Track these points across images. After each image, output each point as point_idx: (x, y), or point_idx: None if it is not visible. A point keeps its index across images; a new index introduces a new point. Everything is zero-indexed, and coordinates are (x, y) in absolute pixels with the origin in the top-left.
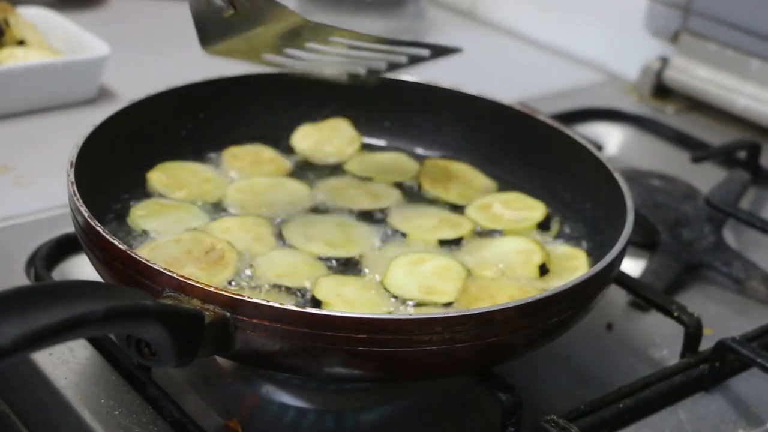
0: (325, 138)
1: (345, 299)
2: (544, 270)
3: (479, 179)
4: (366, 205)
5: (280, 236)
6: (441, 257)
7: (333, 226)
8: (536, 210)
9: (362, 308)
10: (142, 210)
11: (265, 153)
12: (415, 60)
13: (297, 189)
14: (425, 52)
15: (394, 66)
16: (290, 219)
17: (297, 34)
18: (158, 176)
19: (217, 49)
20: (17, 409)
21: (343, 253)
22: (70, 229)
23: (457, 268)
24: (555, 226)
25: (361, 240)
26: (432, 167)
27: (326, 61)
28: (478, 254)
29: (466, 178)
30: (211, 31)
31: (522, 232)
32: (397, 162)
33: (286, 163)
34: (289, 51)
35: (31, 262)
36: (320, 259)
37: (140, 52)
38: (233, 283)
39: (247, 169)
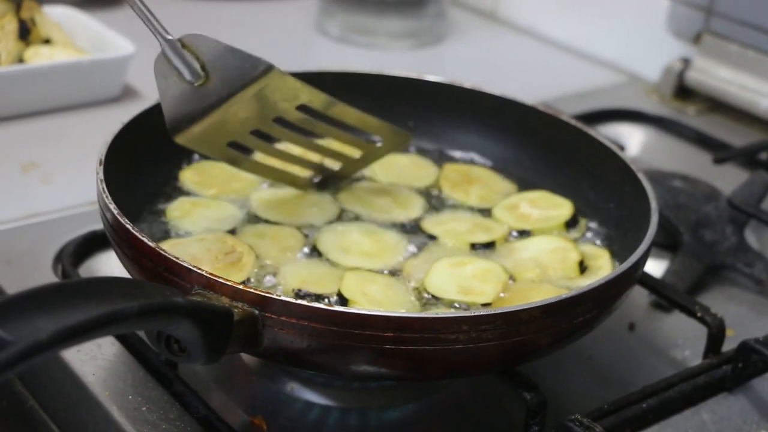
0: None
1: (371, 299)
2: (583, 268)
3: (498, 182)
4: (397, 215)
5: (313, 249)
6: (483, 260)
7: (364, 235)
8: (563, 208)
9: (388, 307)
10: (177, 210)
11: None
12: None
13: (322, 199)
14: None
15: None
16: (321, 229)
17: (268, 103)
18: (190, 175)
19: (188, 137)
20: (45, 405)
21: (381, 264)
22: (96, 226)
23: (498, 271)
24: (582, 223)
25: (396, 248)
26: (452, 171)
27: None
28: (513, 257)
29: (486, 182)
30: (182, 116)
31: (551, 231)
32: (417, 165)
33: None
34: (255, 141)
35: (59, 258)
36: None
37: None
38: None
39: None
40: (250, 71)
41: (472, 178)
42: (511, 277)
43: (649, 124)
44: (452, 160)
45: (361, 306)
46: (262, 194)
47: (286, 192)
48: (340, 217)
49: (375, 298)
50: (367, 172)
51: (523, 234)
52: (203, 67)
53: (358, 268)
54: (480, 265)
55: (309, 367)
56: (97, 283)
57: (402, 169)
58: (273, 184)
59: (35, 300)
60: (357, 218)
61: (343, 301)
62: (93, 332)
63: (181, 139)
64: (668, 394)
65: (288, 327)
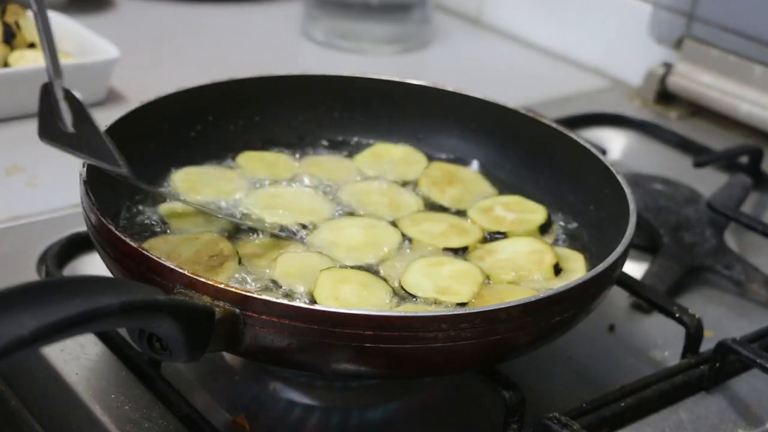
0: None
1: (343, 302)
2: (557, 270)
3: (480, 185)
4: (388, 214)
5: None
6: (460, 261)
7: (360, 228)
8: (537, 213)
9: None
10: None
11: (279, 156)
12: None
13: (316, 198)
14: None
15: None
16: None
17: None
18: (179, 177)
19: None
20: (29, 404)
21: (370, 256)
22: (80, 228)
23: (475, 272)
24: (555, 230)
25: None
26: (437, 169)
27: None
28: (490, 258)
29: (467, 184)
30: (54, 132)
31: (525, 235)
32: (408, 160)
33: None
34: None
35: (43, 260)
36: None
37: (149, 55)
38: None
39: (264, 172)
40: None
41: (455, 179)
42: (488, 278)
43: (631, 128)
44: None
45: None
46: (256, 195)
47: (281, 190)
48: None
49: (348, 301)
50: (355, 163)
51: (498, 235)
52: (74, 125)
53: (332, 267)
54: (457, 266)
55: (290, 366)
56: (79, 281)
57: (392, 162)
58: (268, 183)
59: (18, 297)
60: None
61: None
62: (75, 329)
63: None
64: (646, 393)
65: (269, 326)
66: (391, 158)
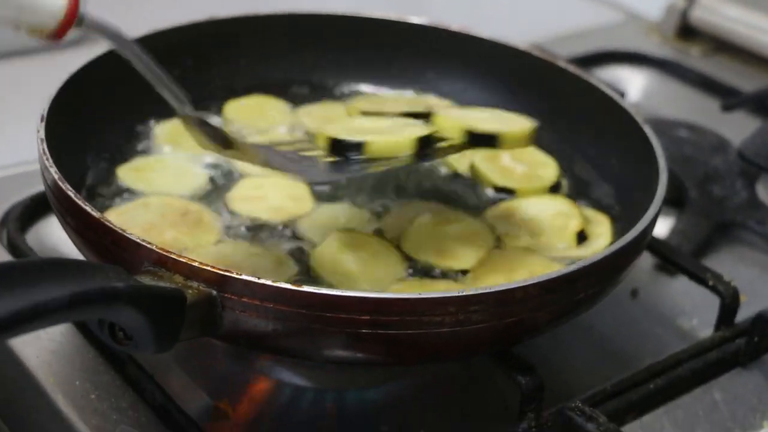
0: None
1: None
2: (582, 237)
3: None
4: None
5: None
6: (469, 219)
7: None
8: (548, 167)
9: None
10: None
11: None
12: None
13: None
14: None
15: None
16: None
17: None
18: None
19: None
20: None
21: None
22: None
23: (484, 233)
24: (564, 186)
25: None
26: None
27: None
28: (509, 218)
29: None
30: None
31: (535, 194)
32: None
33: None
34: None
35: (3, 223)
36: None
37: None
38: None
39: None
40: None
41: None
42: (499, 242)
43: (650, 66)
44: None
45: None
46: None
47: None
48: None
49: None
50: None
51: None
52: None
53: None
54: (466, 224)
55: (276, 352)
56: (22, 267)
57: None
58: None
59: None
60: None
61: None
62: (14, 329)
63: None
64: (676, 372)
65: (251, 309)
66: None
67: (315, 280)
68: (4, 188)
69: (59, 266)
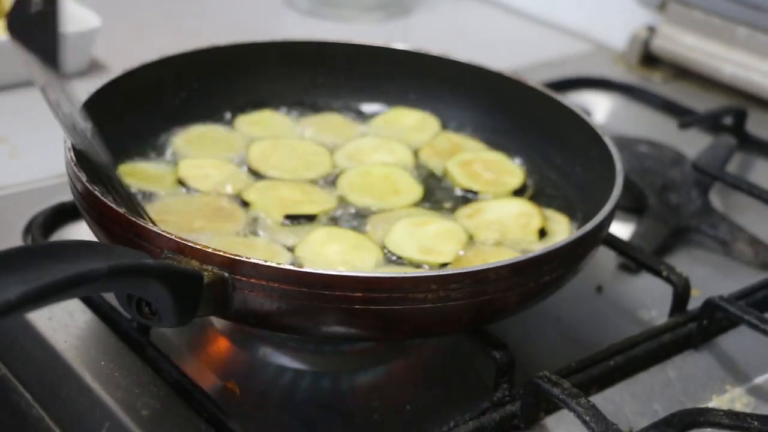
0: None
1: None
2: (543, 234)
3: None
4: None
5: None
6: (445, 220)
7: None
8: (515, 176)
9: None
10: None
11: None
12: None
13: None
14: None
15: None
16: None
17: None
18: (180, 138)
19: None
20: (17, 373)
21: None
22: (65, 197)
23: (459, 232)
24: (528, 193)
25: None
26: (444, 140)
27: None
28: (478, 217)
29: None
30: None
31: (497, 197)
32: (420, 128)
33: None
34: None
35: (28, 230)
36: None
37: (130, 25)
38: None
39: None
40: None
41: (460, 151)
42: (471, 238)
43: (615, 91)
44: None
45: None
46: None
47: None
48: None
49: (331, 261)
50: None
51: (469, 194)
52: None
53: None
54: (442, 225)
55: (280, 329)
56: (67, 245)
57: (403, 128)
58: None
59: (3, 261)
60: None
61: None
62: (62, 293)
63: None
64: (634, 352)
65: (258, 289)
66: (401, 125)
67: None
68: (28, 200)
69: (97, 246)
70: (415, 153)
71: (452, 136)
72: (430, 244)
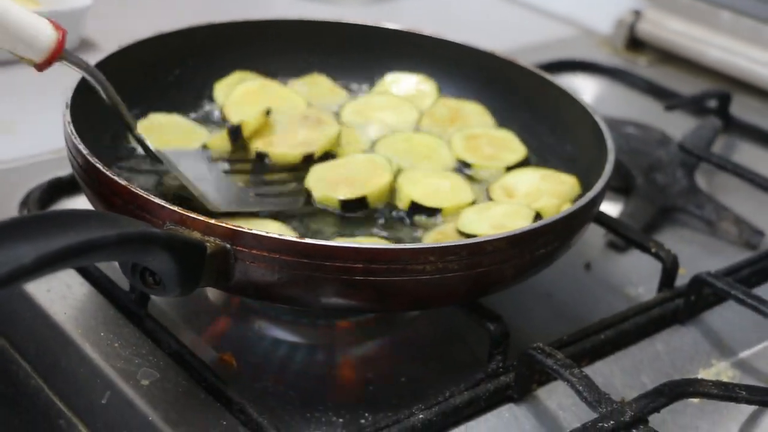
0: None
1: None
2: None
3: (484, 120)
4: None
5: None
6: (510, 203)
7: None
8: (516, 153)
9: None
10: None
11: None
12: None
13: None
14: None
15: None
16: None
17: None
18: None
19: None
20: (17, 344)
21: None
22: (60, 172)
23: (523, 211)
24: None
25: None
26: (441, 106)
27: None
28: (515, 193)
29: (469, 121)
30: None
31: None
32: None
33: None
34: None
35: (24, 204)
36: None
37: (120, 4)
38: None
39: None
40: None
41: (458, 116)
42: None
43: (602, 74)
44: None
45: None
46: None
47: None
48: None
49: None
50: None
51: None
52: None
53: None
54: (505, 207)
55: (280, 301)
56: (74, 214)
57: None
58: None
59: (15, 228)
60: None
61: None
62: (73, 259)
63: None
64: (624, 326)
65: (259, 260)
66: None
67: None
68: (24, 175)
69: (104, 216)
70: (420, 116)
71: (450, 101)
72: (501, 222)
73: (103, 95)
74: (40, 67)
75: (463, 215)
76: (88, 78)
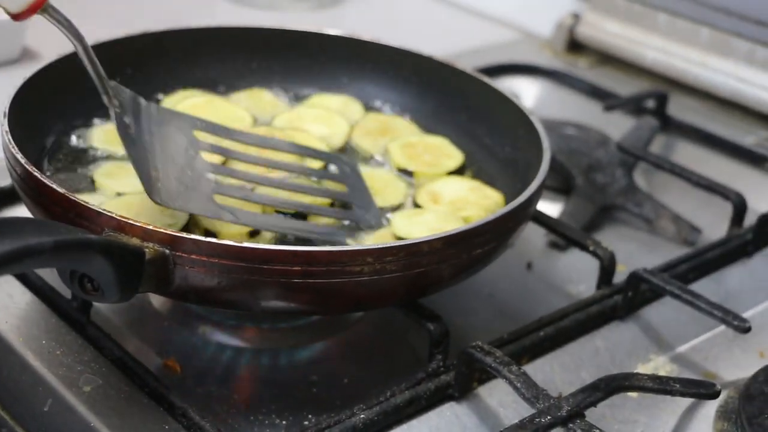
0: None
1: None
2: None
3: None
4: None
5: None
6: (436, 213)
7: None
8: (453, 159)
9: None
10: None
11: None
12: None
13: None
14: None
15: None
16: None
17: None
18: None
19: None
20: None
21: None
22: (1, 182)
23: (452, 218)
24: (468, 175)
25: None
26: (372, 120)
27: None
28: (440, 199)
29: (398, 134)
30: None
31: (433, 178)
32: (345, 109)
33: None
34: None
35: None
36: None
37: (62, 11)
38: None
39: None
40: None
41: (388, 130)
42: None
43: (542, 77)
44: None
45: None
46: None
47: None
48: None
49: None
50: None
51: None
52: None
53: None
54: (435, 214)
55: (220, 305)
56: (11, 221)
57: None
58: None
59: None
60: None
61: None
62: (10, 265)
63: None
64: (563, 323)
65: (198, 265)
66: (328, 108)
67: None
68: None
69: (42, 223)
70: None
71: (380, 115)
72: (439, 226)
73: (83, 58)
74: (17, 17)
75: (395, 221)
76: (68, 36)
